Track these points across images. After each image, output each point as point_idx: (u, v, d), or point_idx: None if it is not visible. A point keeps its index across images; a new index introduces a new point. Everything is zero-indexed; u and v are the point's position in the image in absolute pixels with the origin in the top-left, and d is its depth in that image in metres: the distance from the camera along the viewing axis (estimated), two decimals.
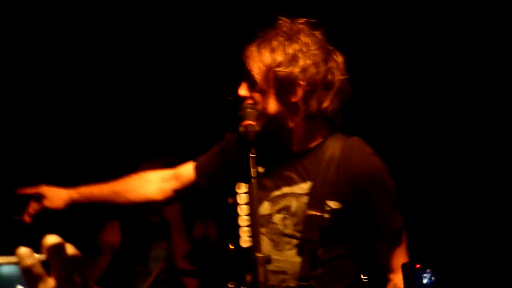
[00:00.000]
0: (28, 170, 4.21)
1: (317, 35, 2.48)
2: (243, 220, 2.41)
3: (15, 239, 2.83)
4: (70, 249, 1.00)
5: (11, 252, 1.04)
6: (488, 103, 4.01)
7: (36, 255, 1.01)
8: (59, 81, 4.49)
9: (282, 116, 2.46)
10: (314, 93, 2.43)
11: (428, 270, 1.82)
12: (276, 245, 2.48)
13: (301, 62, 2.41)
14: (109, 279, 4.08)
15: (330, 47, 2.49)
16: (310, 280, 2.44)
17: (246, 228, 2.40)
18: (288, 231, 2.46)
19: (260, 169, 2.42)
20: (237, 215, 2.45)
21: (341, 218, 2.42)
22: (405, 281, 1.98)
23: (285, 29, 2.48)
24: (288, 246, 2.46)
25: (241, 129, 2.43)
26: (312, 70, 2.41)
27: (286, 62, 2.41)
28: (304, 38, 2.44)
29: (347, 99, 2.52)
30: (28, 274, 0.99)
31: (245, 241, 2.41)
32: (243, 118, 2.45)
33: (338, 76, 2.46)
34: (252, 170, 2.35)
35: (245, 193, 2.41)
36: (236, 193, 2.47)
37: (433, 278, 1.77)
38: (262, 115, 2.46)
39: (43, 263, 1.00)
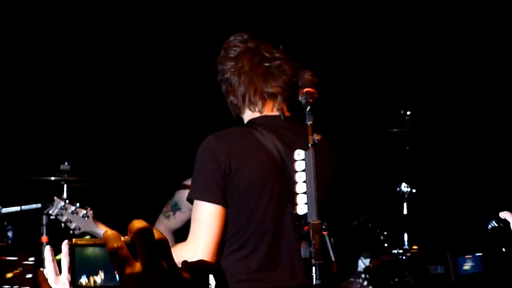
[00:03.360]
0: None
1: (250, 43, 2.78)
2: (300, 187, 2.45)
3: None
4: (157, 234, 1.00)
5: None
6: (481, 102, 3.97)
7: (123, 238, 1.00)
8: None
9: None
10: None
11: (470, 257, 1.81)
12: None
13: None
14: None
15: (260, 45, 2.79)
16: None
17: (303, 195, 2.44)
18: None
19: (318, 137, 2.45)
20: (295, 182, 2.49)
21: None
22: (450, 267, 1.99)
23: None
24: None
25: (300, 96, 2.45)
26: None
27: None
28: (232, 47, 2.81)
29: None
30: (114, 257, 0.98)
31: (301, 208, 2.45)
32: (302, 85, 2.47)
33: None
34: (309, 137, 2.38)
35: (302, 159, 2.44)
36: (295, 160, 2.50)
37: (473, 264, 1.77)
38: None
39: (129, 247, 1.00)
